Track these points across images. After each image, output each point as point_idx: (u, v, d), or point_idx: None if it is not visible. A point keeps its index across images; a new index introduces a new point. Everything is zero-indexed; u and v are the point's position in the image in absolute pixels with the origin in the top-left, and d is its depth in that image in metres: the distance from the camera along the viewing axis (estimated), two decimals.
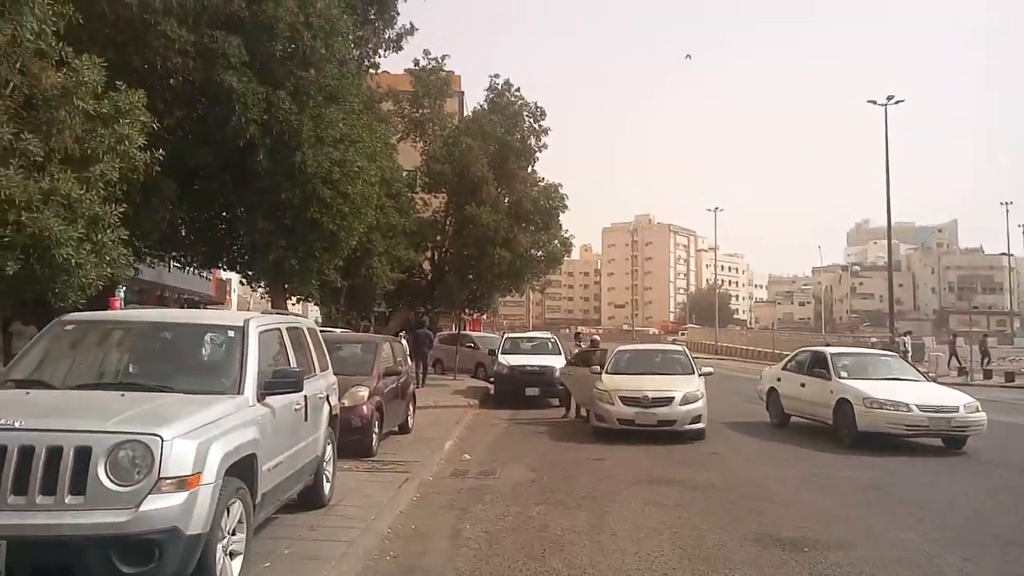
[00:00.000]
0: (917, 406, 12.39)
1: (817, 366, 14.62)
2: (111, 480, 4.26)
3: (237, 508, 5.01)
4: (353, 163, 14.98)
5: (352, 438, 10.43)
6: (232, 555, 5.01)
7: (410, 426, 13.75)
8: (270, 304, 18.01)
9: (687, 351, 16.47)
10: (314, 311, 54.35)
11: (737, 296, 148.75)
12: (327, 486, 7.79)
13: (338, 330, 24.42)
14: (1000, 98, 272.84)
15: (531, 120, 26.40)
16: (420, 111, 26.19)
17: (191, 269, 19.91)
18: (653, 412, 13.38)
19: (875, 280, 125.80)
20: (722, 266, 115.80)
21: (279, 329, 6.68)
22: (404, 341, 23.58)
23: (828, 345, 42.71)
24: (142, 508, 4.24)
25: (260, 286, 19.38)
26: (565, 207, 26.17)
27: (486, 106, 26.88)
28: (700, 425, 13.54)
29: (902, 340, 31.73)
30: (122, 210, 8.37)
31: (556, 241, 26.58)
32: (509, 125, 25.64)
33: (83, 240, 7.77)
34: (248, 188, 14.32)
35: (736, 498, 8.88)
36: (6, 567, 4.08)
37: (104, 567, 4.18)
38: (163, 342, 6.17)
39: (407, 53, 39.30)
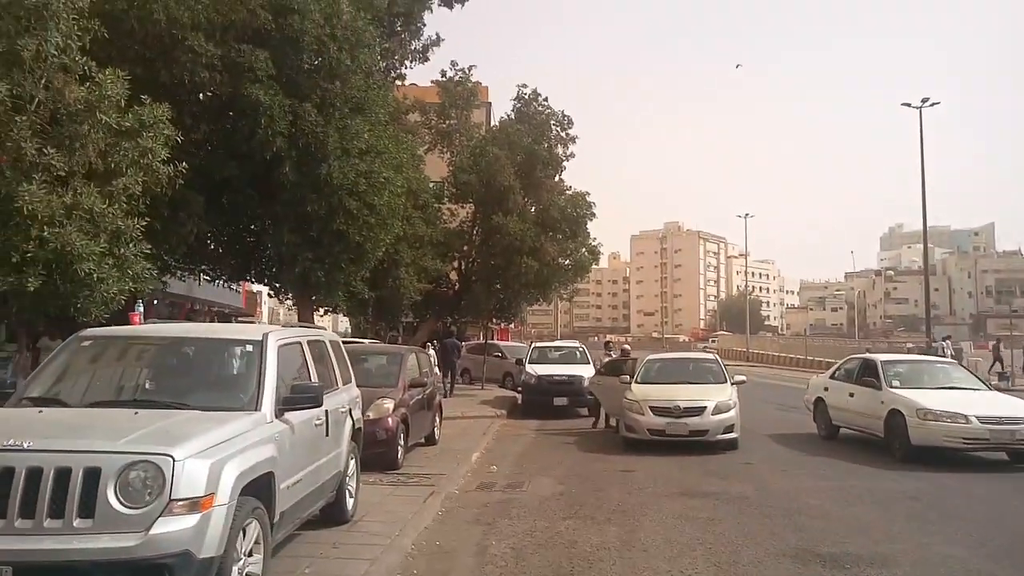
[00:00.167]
0: (977, 417, 11.34)
1: (867, 374, 13.62)
2: (121, 502, 4.14)
3: (254, 528, 4.87)
4: (379, 174, 14.93)
5: (377, 451, 10.31)
6: None
7: (437, 437, 13.59)
8: (297, 316, 18.00)
9: (719, 359, 16.12)
10: (343, 322, 54.74)
11: (768, 302, 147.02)
12: (350, 502, 7.64)
13: (366, 341, 24.46)
14: None
15: (558, 129, 26.25)
16: (447, 122, 26.16)
17: (220, 282, 20.01)
18: (684, 422, 13.08)
19: (909, 285, 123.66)
20: (753, 272, 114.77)
21: (299, 343, 6.55)
22: (432, 351, 23.57)
23: (868, 351, 41.69)
24: (152, 531, 4.11)
25: (288, 298, 19.42)
26: (593, 215, 25.95)
27: (513, 116, 26.78)
28: (733, 435, 13.21)
29: (941, 345, 30.85)
30: (144, 224, 8.35)
31: (584, 249, 26.37)
32: (536, 134, 25.51)
33: (105, 254, 7.77)
34: (274, 201, 14.35)
35: (772, 511, 8.58)
36: None
37: None
38: (180, 358, 6.08)
39: (434, 64, 39.39)
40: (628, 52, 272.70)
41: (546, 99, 26.48)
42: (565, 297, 36.24)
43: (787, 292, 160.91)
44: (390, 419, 10.69)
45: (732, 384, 14.31)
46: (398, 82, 21.42)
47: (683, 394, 13.51)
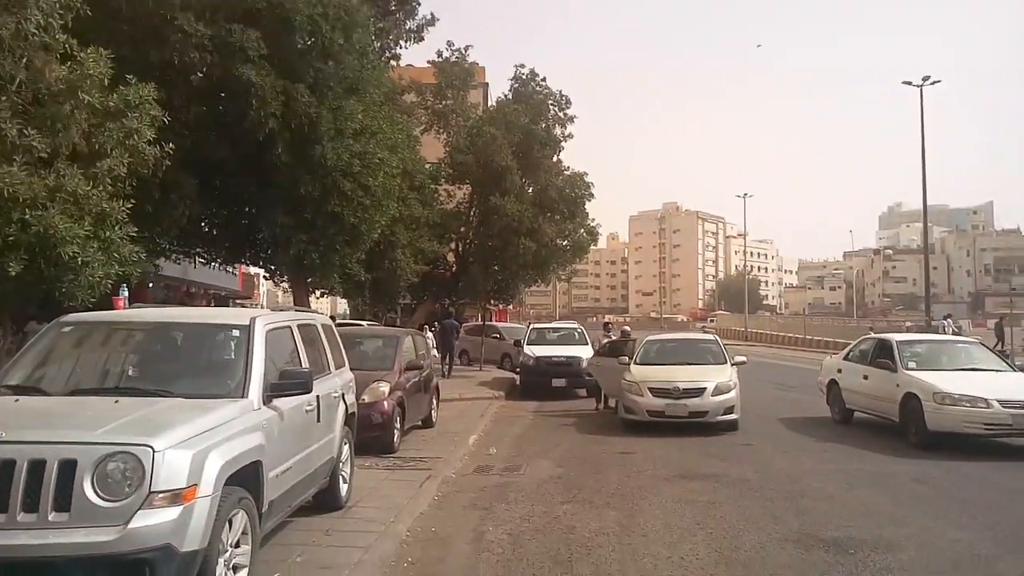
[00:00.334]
0: (999, 401, 10.61)
1: (882, 355, 12.91)
2: (98, 495, 3.97)
3: (240, 519, 4.71)
4: (374, 155, 14.70)
5: (372, 435, 10.19)
6: (236, 569, 4.70)
7: (434, 420, 13.47)
8: (292, 298, 17.83)
9: (719, 339, 15.98)
10: (342, 304, 54.55)
11: (767, 282, 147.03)
12: (344, 487, 7.49)
13: (364, 323, 24.33)
14: None
15: (556, 109, 26.03)
16: (443, 102, 25.86)
17: (216, 265, 19.81)
18: (684, 403, 12.96)
19: (908, 263, 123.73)
20: (751, 252, 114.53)
21: (289, 327, 6.37)
22: (431, 333, 23.44)
23: (871, 330, 41.53)
24: (131, 525, 3.95)
25: (283, 280, 19.25)
26: (591, 196, 25.76)
27: (510, 96, 26.51)
28: (733, 416, 13.09)
29: (943, 323, 30.69)
30: (131, 206, 8.13)
31: (582, 230, 26.19)
32: (534, 114, 25.27)
33: (90, 238, 7.55)
34: (268, 182, 14.14)
35: (773, 494, 8.45)
36: None
37: None
38: (165, 343, 5.89)
39: (429, 45, 39.07)
40: (631, 39, 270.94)
41: (544, 79, 26.26)
42: (563, 278, 36.15)
43: (785, 272, 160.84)
44: (386, 402, 10.55)
45: (732, 365, 14.17)
46: (393, 62, 21.12)
47: (682, 375, 13.38)
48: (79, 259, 7.37)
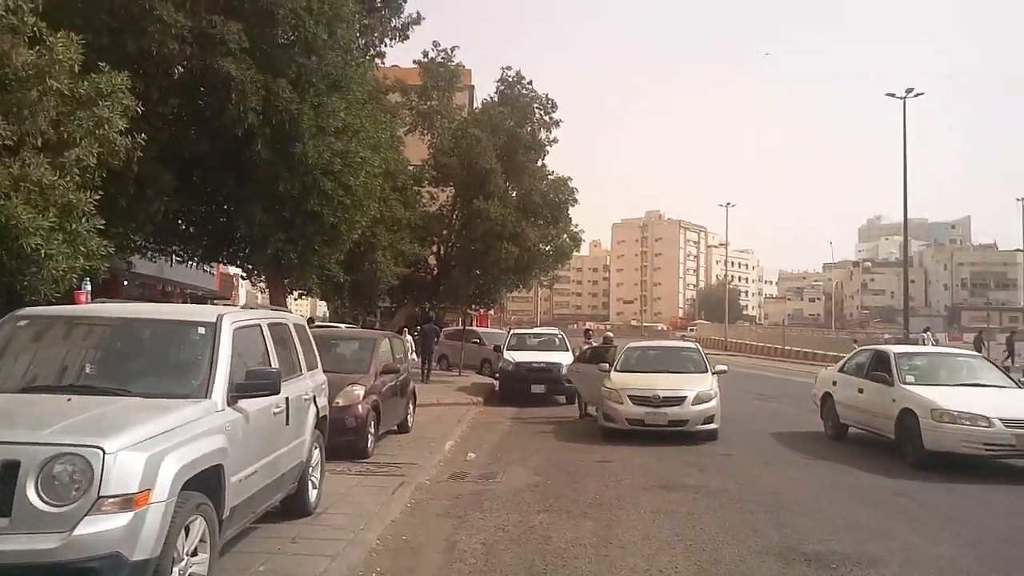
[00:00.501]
0: (1001, 420, 9.90)
1: (878, 368, 12.19)
2: (42, 499, 3.72)
3: (199, 526, 4.47)
4: (356, 154, 14.44)
5: (346, 439, 9.96)
6: None
7: (410, 425, 13.23)
8: (269, 299, 17.53)
9: (700, 348, 15.84)
10: (322, 306, 54.05)
11: (747, 292, 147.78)
12: (313, 493, 7.25)
13: (343, 326, 24.02)
14: (1014, 93, 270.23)
15: (541, 112, 25.79)
16: (428, 103, 25.63)
17: (193, 264, 19.45)
18: (664, 412, 12.81)
19: (886, 276, 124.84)
20: (732, 262, 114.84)
21: (259, 326, 6.12)
22: (410, 337, 23.16)
23: (856, 342, 41.43)
24: (77, 532, 3.70)
25: (260, 280, 18.92)
26: (575, 201, 25.58)
27: (496, 98, 26.32)
28: (713, 426, 12.95)
29: (922, 336, 30.78)
30: (98, 198, 7.84)
31: (565, 236, 25.99)
32: (519, 117, 25.05)
33: (55, 229, 7.27)
34: (246, 179, 13.86)
35: (754, 506, 8.29)
36: None
37: None
38: (126, 340, 5.61)
39: (415, 44, 38.85)
40: (617, 46, 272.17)
41: (530, 82, 26.04)
42: (545, 284, 35.95)
43: (766, 282, 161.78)
44: (360, 406, 10.31)
45: (713, 374, 14.05)
46: (378, 61, 20.86)
47: (663, 383, 13.23)
48: (42, 251, 7.09)
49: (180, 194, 13.97)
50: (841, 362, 14.78)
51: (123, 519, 3.83)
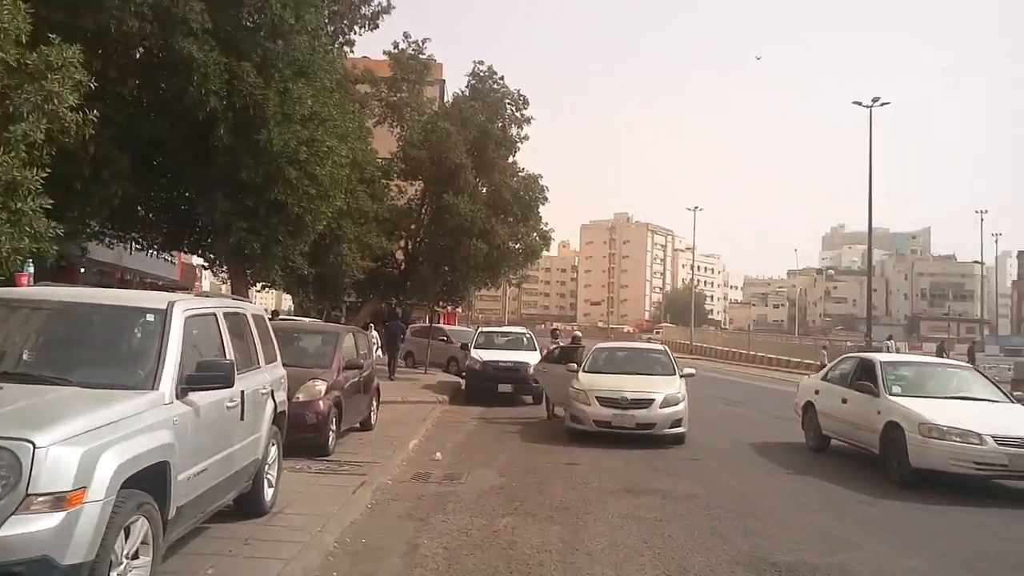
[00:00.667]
0: (993, 437, 9.19)
1: (863, 377, 11.47)
2: None
3: (140, 527, 4.15)
4: (322, 143, 14.06)
5: (306, 435, 9.63)
6: None
7: (373, 422, 12.90)
8: (230, 289, 17.06)
9: (668, 350, 15.72)
10: (287, 300, 53.22)
11: (712, 296, 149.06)
12: (269, 492, 6.93)
13: (307, 319, 23.57)
14: (975, 109, 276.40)
15: (513, 108, 25.54)
16: (398, 95, 25.24)
17: (153, 252, 18.88)
18: (631, 414, 12.64)
19: (849, 284, 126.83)
20: (699, 266, 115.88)
21: (214, 315, 5.79)
22: (375, 333, 22.78)
23: (825, 349, 41.64)
24: (1, 533, 3.38)
25: (222, 270, 18.43)
26: (545, 199, 25.42)
27: (467, 92, 26.02)
28: (681, 429, 12.81)
29: (886, 344, 31.10)
30: (45, 176, 7.41)
31: (535, 234, 25.80)
32: (490, 113, 24.80)
33: None
34: (208, 165, 13.41)
35: (722, 513, 8.12)
36: None
37: None
38: (69, 326, 5.24)
39: (385, 35, 38.31)
40: (590, 44, 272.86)
41: (501, 77, 25.80)
42: (514, 283, 35.73)
43: (731, 287, 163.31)
44: (321, 402, 9.98)
45: (681, 377, 13.92)
46: (347, 49, 20.41)
47: (631, 385, 13.06)
48: None
49: (138, 178, 13.52)
50: (824, 370, 14.24)
51: (53, 520, 3.51)
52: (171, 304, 5.14)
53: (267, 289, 27.28)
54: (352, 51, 20.45)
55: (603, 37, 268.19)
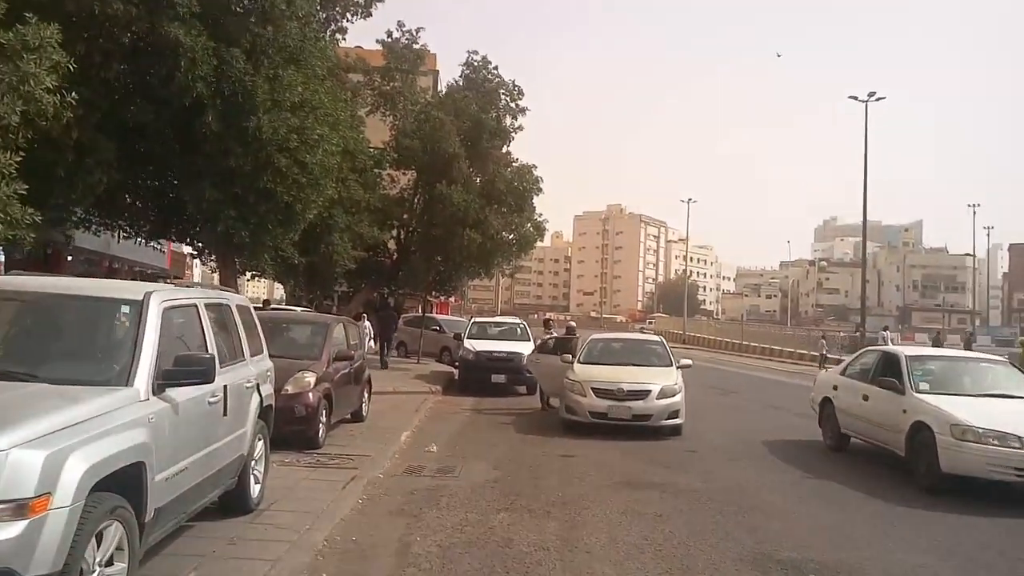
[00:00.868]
0: None
1: (887, 372, 10.60)
2: None
3: (114, 532, 3.89)
4: (313, 130, 13.76)
5: (295, 428, 9.42)
6: None
7: (364, 414, 12.66)
8: (219, 278, 16.76)
9: (664, 341, 15.51)
10: (279, 290, 52.84)
11: (705, 287, 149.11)
12: (256, 488, 6.69)
13: (298, 310, 23.27)
14: (968, 102, 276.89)
15: (507, 99, 25.24)
16: (391, 84, 24.90)
17: (140, 240, 18.56)
18: (628, 406, 12.44)
19: (841, 276, 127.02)
20: (692, 257, 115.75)
21: (194, 306, 5.52)
22: (368, 323, 22.52)
23: (823, 339, 41.20)
24: None
25: (211, 259, 18.12)
26: (539, 189, 25.08)
27: (461, 82, 25.69)
28: (678, 421, 12.62)
29: (882, 335, 30.93)
30: (19, 160, 7.11)
31: (528, 224, 25.47)
32: (484, 102, 24.50)
33: None
34: (196, 152, 13.11)
35: (723, 507, 7.92)
36: None
37: None
38: (38, 317, 4.96)
39: (379, 24, 37.87)
40: (577, 35, 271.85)
41: (496, 67, 25.49)
42: (507, 273, 35.48)
43: (724, 278, 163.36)
44: (311, 394, 9.72)
45: (678, 368, 13.72)
46: (339, 36, 20.06)
47: (627, 376, 12.87)
48: None
49: (124, 165, 13.22)
50: (843, 364, 13.44)
51: (15, 529, 3.25)
52: (148, 295, 4.86)
53: (256, 279, 26.96)
54: (344, 39, 20.15)
55: (597, 28, 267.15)
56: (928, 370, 10.49)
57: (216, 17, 12.48)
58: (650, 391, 12.53)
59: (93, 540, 3.69)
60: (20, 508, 3.27)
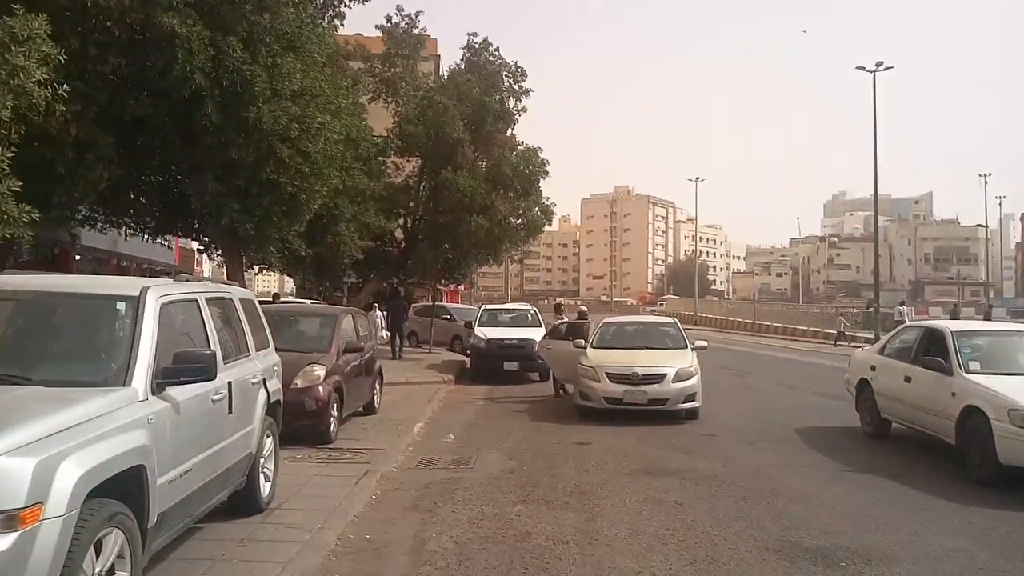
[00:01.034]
0: None
1: (931, 351, 9.54)
2: None
3: (114, 540, 3.70)
4: (314, 119, 13.55)
5: (306, 423, 9.26)
6: None
7: (376, 406, 12.50)
8: (225, 273, 16.58)
9: (678, 323, 15.26)
10: (290, 282, 52.75)
11: (715, 267, 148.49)
12: (266, 487, 6.51)
13: (308, 302, 23.13)
14: (977, 70, 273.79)
15: (510, 81, 24.92)
16: (392, 70, 24.62)
17: (147, 236, 18.42)
18: (643, 390, 12.22)
19: (852, 251, 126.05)
20: (701, 237, 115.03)
21: (195, 301, 5.33)
22: (379, 313, 22.37)
23: (842, 317, 39.97)
24: None
25: (217, 253, 17.96)
26: (545, 173, 24.79)
27: (463, 65, 25.37)
28: (694, 404, 12.40)
29: (899, 310, 30.45)
30: (11, 155, 6.93)
31: (536, 208, 25.22)
32: (487, 86, 24.22)
33: None
34: (196, 145, 12.93)
35: (746, 493, 7.71)
36: None
37: None
38: (32, 317, 4.77)
39: (377, 10, 37.48)
40: (581, 13, 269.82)
41: (497, 49, 25.16)
42: (516, 259, 35.25)
43: (734, 257, 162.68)
44: (321, 388, 9.55)
45: (692, 350, 13.48)
46: (337, 23, 19.79)
47: (642, 360, 12.65)
48: None
49: (125, 160, 13.08)
50: (880, 342, 12.52)
51: (5, 542, 3.07)
52: (144, 290, 4.67)
53: (264, 272, 26.82)
54: (343, 25, 19.85)
55: (602, 9, 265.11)
56: (977, 347, 9.44)
57: (211, 6, 12.30)
58: (665, 374, 12.31)
59: (92, 549, 3.50)
60: (9, 520, 3.09)
